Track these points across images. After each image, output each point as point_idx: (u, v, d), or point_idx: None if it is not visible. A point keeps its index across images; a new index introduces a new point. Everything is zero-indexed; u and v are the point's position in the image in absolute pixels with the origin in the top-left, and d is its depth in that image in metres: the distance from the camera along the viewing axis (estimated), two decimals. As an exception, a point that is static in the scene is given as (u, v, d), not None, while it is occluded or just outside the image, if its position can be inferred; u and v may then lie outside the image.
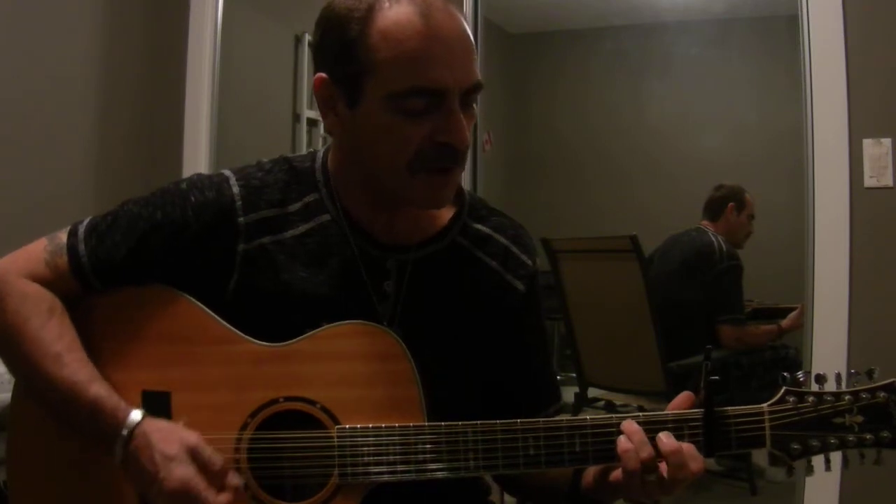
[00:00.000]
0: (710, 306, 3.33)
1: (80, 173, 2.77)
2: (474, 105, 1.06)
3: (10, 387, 1.10)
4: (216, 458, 0.97)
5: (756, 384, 3.26)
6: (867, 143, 2.27)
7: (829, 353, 2.27)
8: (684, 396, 1.04)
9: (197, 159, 3.01)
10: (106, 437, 1.00)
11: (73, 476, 1.06)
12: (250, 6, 3.37)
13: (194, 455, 0.96)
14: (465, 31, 1.02)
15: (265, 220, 1.10)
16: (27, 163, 2.55)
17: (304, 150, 2.80)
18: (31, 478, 1.09)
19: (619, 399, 3.49)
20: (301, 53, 3.77)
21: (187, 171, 2.88)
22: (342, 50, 1.02)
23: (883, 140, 2.26)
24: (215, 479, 0.96)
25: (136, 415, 1.00)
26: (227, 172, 1.13)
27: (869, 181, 2.27)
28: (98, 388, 1.01)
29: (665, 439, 0.99)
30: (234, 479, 0.98)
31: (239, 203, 1.10)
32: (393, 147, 1.03)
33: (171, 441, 0.97)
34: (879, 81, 2.27)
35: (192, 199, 1.09)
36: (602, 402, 3.50)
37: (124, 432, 0.98)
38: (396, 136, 1.02)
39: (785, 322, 3.38)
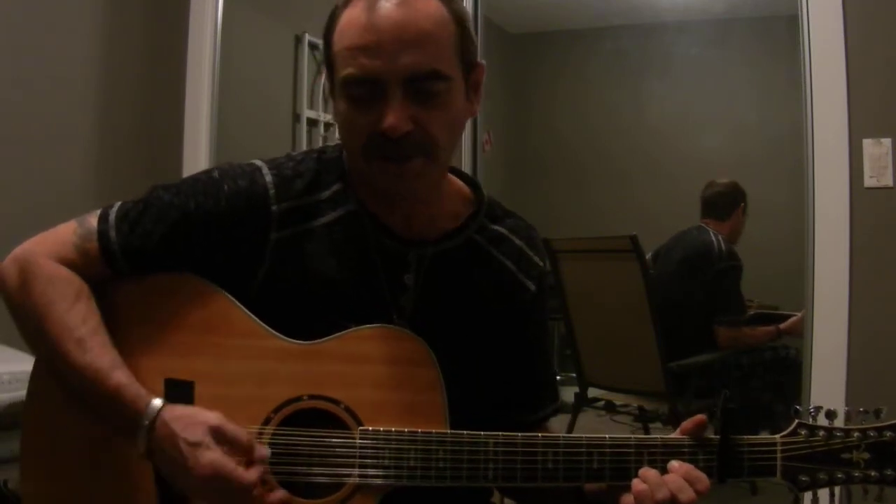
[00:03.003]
0: (709, 306, 3.33)
1: (80, 173, 2.77)
2: (436, 92, 1.04)
3: (11, 387, 1.10)
4: (241, 434, 0.98)
5: (756, 384, 3.26)
6: (867, 143, 2.27)
7: (829, 354, 2.27)
8: (698, 419, 1.05)
9: (197, 159, 3.01)
10: (127, 427, 1.00)
11: (91, 464, 1.06)
12: (250, 6, 3.37)
13: (218, 435, 0.97)
14: (412, 20, 1.02)
15: (297, 209, 1.11)
16: (28, 162, 2.55)
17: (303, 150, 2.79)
18: (44, 473, 1.08)
19: (618, 399, 3.48)
20: (301, 53, 3.78)
21: (187, 171, 2.88)
22: (324, 46, 1.09)
23: (883, 140, 2.26)
24: (243, 455, 0.97)
25: (156, 403, 1.00)
26: (258, 162, 1.14)
27: (869, 181, 2.27)
28: (119, 376, 1.01)
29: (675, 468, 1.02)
30: (261, 450, 0.99)
31: (272, 191, 1.11)
32: (348, 133, 1.08)
33: (194, 426, 0.97)
34: (879, 81, 2.27)
35: (226, 187, 1.10)
36: (602, 402, 3.50)
37: (146, 422, 0.99)
38: (348, 122, 1.06)
39: (784, 325, 3.37)
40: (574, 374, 3.52)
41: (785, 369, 3.28)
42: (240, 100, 3.23)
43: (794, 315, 3.29)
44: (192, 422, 0.98)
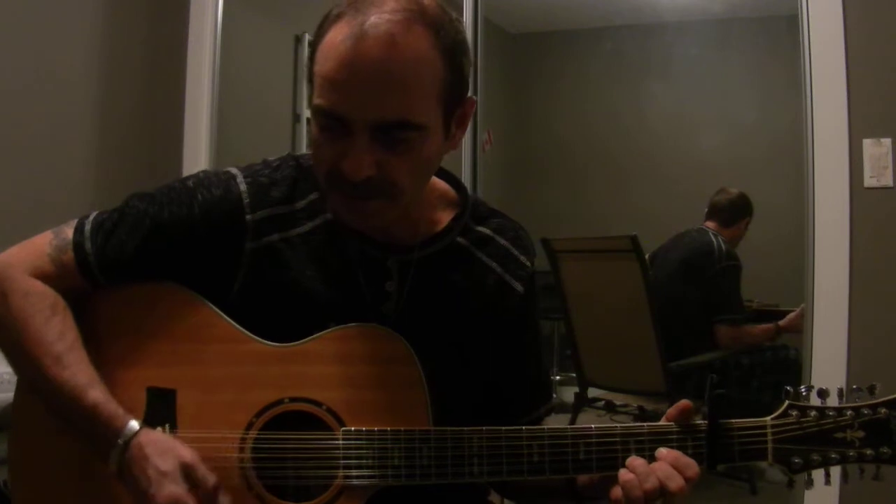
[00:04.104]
0: (709, 306, 3.33)
1: (80, 173, 2.77)
2: (406, 140, 0.99)
3: (10, 387, 1.10)
4: (209, 478, 0.97)
5: (756, 384, 3.26)
6: (867, 143, 2.27)
7: (829, 354, 2.27)
8: (682, 405, 1.04)
9: (197, 159, 3.01)
10: (102, 444, 0.99)
11: (76, 474, 1.06)
12: (250, 6, 3.37)
13: (188, 472, 0.96)
14: (391, 64, 0.96)
15: (273, 218, 1.10)
16: (28, 162, 2.55)
17: (303, 151, 2.80)
18: (33, 476, 1.08)
19: (619, 399, 3.48)
20: (301, 53, 3.77)
21: (187, 171, 2.88)
22: (310, 52, 1.04)
23: (883, 140, 2.26)
24: (206, 499, 0.96)
25: (133, 425, 0.99)
26: (233, 170, 1.13)
27: (869, 181, 2.27)
28: (96, 394, 1.00)
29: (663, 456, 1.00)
30: (225, 500, 0.97)
31: (247, 200, 1.10)
32: (315, 158, 1.05)
33: (166, 456, 0.97)
34: (879, 81, 2.27)
35: (199, 197, 1.09)
36: (602, 402, 3.50)
37: (120, 441, 0.98)
38: (317, 148, 1.03)
39: (783, 322, 3.38)
40: (574, 374, 3.52)
41: (785, 370, 3.28)
42: (240, 100, 3.23)
43: (795, 310, 3.30)
44: (167, 451, 0.97)
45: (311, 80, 1.03)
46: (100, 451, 1.00)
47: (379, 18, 0.96)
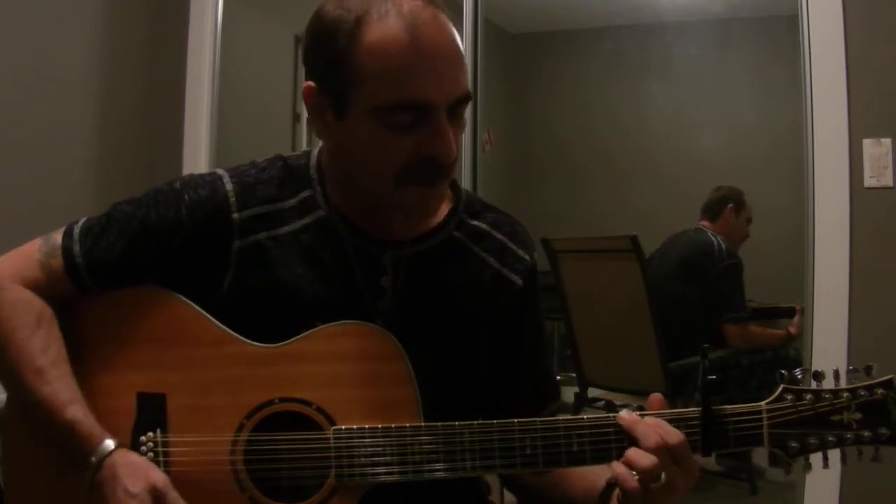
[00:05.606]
0: (710, 306, 3.33)
1: (80, 173, 2.77)
2: (463, 114, 1.06)
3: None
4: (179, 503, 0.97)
5: (756, 384, 3.26)
6: (867, 143, 2.27)
7: (829, 353, 2.27)
8: (655, 399, 1.04)
9: (197, 159, 3.01)
10: (77, 461, 1.00)
11: (70, 474, 1.05)
12: (250, 6, 3.37)
13: (157, 497, 0.96)
14: (453, 43, 1.01)
15: (260, 216, 1.10)
16: (28, 163, 2.55)
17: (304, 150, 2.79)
18: (28, 476, 1.08)
19: (619, 399, 3.48)
20: (301, 53, 3.77)
21: (187, 171, 2.89)
22: (330, 62, 1.02)
23: (883, 140, 2.26)
24: None
25: (108, 444, 0.99)
26: (220, 171, 1.13)
27: (869, 181, 2.27)
28: (75, 411, 1.00)
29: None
30: None
31: (233, 199, 1.10)
32: (380, 159, 1.03)
33: (137, 478, 0.97)
34: (879, 81, 2.28)
35: (186, 197, 1.09)
36: (602, 402, 3.50)
37: (93, 460, 0.98)
38: (383, 148, 1.02)
39: (793, 328, 3.37)
40: (574, 374, 3.52)
41: (785, 369, 3.28)
42: (240, 100, 3.23)
43: (793, 306, 3.30)
44: (138, 474, 0.97)
45: (346, 86, 1.01)
46: (77, 467, 1.00)
47: (412, 6, 0.99)
